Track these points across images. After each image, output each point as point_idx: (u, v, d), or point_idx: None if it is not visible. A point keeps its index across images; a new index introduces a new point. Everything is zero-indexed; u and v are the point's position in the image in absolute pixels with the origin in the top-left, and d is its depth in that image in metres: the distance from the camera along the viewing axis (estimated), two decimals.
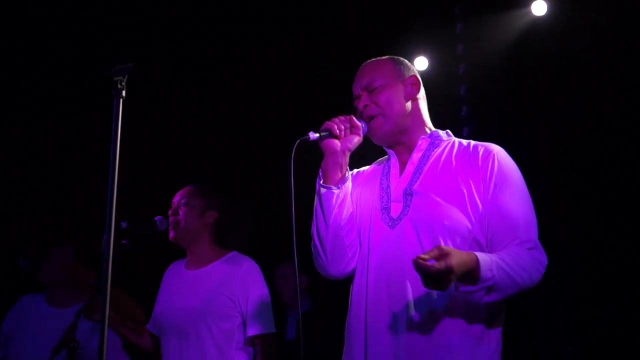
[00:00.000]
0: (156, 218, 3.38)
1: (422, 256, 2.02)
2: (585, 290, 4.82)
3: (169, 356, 3.41)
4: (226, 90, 5.40)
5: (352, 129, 2.39)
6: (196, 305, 3.40)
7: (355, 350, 2.31)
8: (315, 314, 4.93)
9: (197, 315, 3.38)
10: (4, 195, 5.17)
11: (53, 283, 3.89)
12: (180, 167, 5.39)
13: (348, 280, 2.46)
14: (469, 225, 2.25)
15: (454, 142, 2.46)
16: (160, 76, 5.07)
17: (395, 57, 2.56)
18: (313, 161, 2.48)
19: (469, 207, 2.26)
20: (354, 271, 2.41)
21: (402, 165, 2.44)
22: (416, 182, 2.34)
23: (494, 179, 2.30)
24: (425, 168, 2.38)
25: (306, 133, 2.33)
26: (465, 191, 2.28)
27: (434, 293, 2.20)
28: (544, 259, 2.23)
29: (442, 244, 2.20)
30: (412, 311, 2.22)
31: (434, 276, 2.01)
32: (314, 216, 2.42)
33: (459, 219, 2.25)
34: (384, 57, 2.56)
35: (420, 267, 2.01)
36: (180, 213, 3.48)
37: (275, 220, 4.52)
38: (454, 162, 2.35)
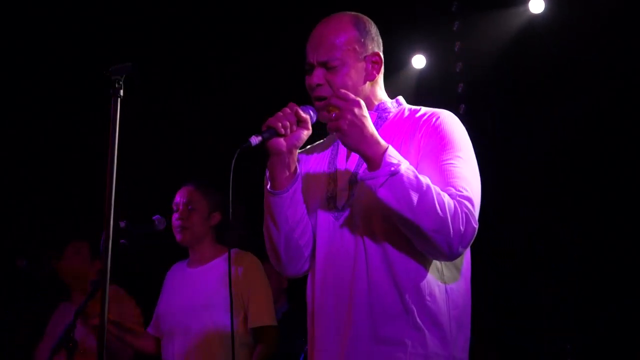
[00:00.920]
0: (154, 217, 3.39)
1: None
2: (585, 290, 4.82)
3: (174, 355, 3.42)
4: (226, 90, 5.39)
5: (300, 123, 2.12)
6: (200, 301, 3.45)
7: (309, 351, 2.22)
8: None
9: (200, 311, 3.42)
10: (3, 195, 5.17)
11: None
12: (178, 167, 5.39)
13: None
14: None
15: (402, 112, 2.24)
16: (159, 75, 5.06)
17: (361, 19, 2.28)
18: None
19: None
20: None
21: None
22: (361, 166, 2.12)
23: (434, 141, 2.09)
24: None
25: (247, 139, 2.04)
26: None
27: (383, 292, 2.03)
28: (474, 223, 1.96)
29: (384, 234, 2.06)
30: (359, 312, 2.06)
31: (337, 100, 1.97)
32: (264, 221, 2.24)
33: None
34: (348, 19, 2.24)
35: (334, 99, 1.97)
36: (186, 217, 3.54)
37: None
38: (399, 136, 2.15)
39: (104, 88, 2.00)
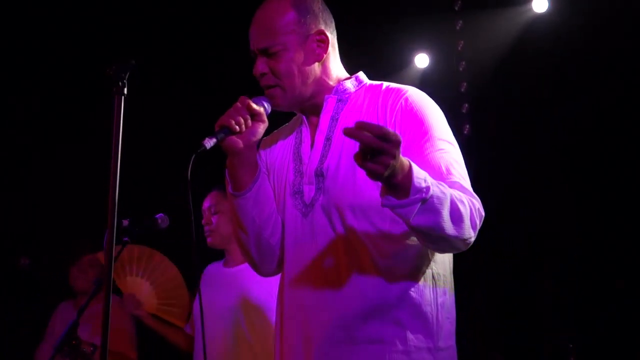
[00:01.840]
0: (157, 215, 3.39)
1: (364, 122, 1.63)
2: (586, 290, 4.82)
3: (213, 355, 3.42)
4: (227, 88, 5.39)
5: (254, 116, 1.99)
6: (237, 300, 3.46)
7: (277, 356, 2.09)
8: None
9: (238, 310, 3.43)
10: (3, 193, 5.17)
11: None
12: (181, 165, 5.38)
13: None
14: None
15: (365, 91, 2.08)
16: (161, 73, 5.06)
17: None
18: None
19: None
20: None
21: (313, 130, 2.08)
22: (326, 157, 2.01)
23: (402, 129, 1.93)
24: (334, 137, 2.03)
25: (201, 142, 1.92)
26: None
27: (358, 290, 1.91)
28: (481, 208, 1.85)
29: (356, 229, 1.92)
30: (332, 312, 1.94)
31: (380, 143, 1.59)
32: (232, 224, 2.13)
33: (373, 193, 1.88)
34: (285, 0, 2.05)
35: (360, 132, 1.60)
36: (213, 221, 3.59)
37: None
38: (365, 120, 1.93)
39: (107, 86, 1.99)
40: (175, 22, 5.29)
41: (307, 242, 2.01)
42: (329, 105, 2.07)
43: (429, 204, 1.70)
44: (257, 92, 2.09)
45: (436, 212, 1.72)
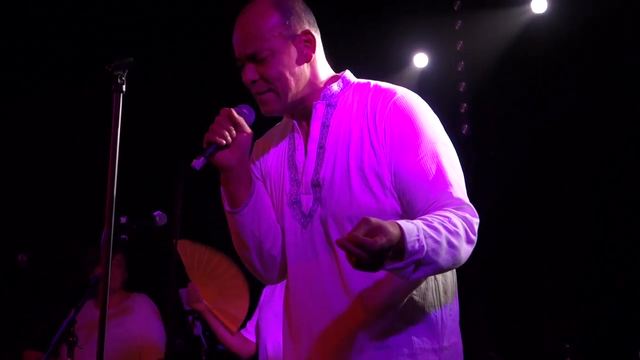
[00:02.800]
0: (155, 213, 3.39)
1: (354, 233, 1.64)
2: (584, 289, 4.83)
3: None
4: (227, 85, 5.38)
5: (237, 127, 1.96)
6: None
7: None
8: None
9: None
10: (3, 191, 5.17)
11: None
12: (180, 162, 5.38)
13: None
14: (383, 207, 1.90)
15: (353, 92, 2.03)
16: (160, 71, 5.07)
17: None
18: None
19: (377, 182, 1.91)
20: None
21: (305, 136, 2.05)
22: (321, 166, 1.98)
23: (394, 134, 1.91)
24: (327, 145, 1.99)
25: (189, 164, 1.89)
26: (368, 167, 1.92)
27: (361, 299, 1.91)
28: (475, 216, 1.86)
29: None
30: (337, 322, 1.93)
31: (373, 255, 1.63)
32: (232, 238, 2.10)
33: (368, 203, 1.91)
34: (267, 3, 2.00)
35: (351, 246, 1.63)
36: None
37: None
38: (353, 130, 1.96)
39: (106, 83, 1.99)
40: (175, 20, 5.29)
41: (308, 252, 2.00)
42: (319, 111, 2.03)
43: (425, 260, 1.73)
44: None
45: (433, 263, 1.75)
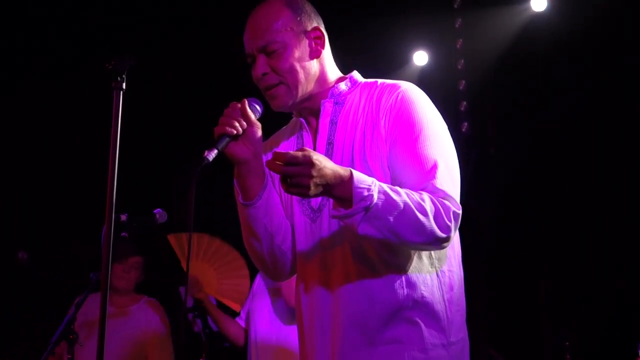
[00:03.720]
0: (155, 210, 3.39)
1: (278, 151, 1.75)
2: (584, 287, 4.83)
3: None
4: (228, 84, 5.39)
5: (246, 118, 1.99)
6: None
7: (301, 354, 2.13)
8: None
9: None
10: (3, 189, 5.17)
11: None
12: (180, 160, 5.39)
13: None
14: None
15: (360, 90, 2.08)
16: (160, 69, 5.06)
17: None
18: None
19: (382, 173, 1.95)
20: None
21: (314, 134, 2.10)
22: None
23: (396, 124, 1.96)
24: (336, 141, 2.04)
25: (202, 156, 1.91)
26: (372, 157, 1.97)
27: (371, 292, 1.93)
28: (457, 208, 1.88)
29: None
30: (349, 315, 1.96)
31: (288, 169, 1.73)
32: (243, 233, 2.13)
33: None
34: (279, 2, 2.07)
35: (273, 163, 1.74)
36: None
37: None
38: (360, 124, 2.01)
39: (106, 81, 1.99)
40: (174, 18, 5.28)
41: (318, 247, 2.03)
42: (327, 109, 2.07)
43: (373, 212, 1.77)
44: (253, 92, 2.09)
45: (382, 219, 1.79)
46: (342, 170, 1.79)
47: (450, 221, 1.86)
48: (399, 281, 1.95)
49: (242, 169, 2.03)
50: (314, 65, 2.06)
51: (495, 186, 5.05)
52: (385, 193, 1.80)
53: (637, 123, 4.69)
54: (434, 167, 1.90)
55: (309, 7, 2.10)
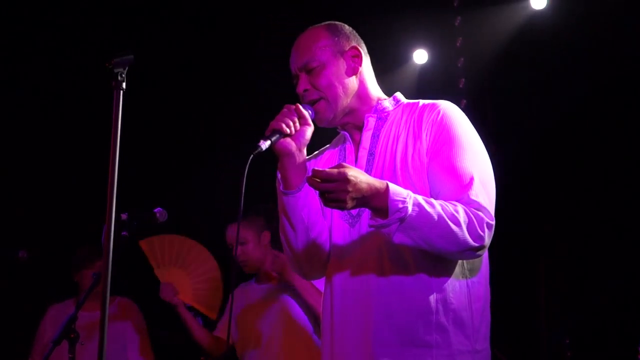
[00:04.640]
0: (156, 210, 3.39)
1: (316, 168, 1.91)
2: (584, 285, 4.83)
3: None
4: (227, 82, 5.39)
5: (301, 120, 2.15)
6: (276, 315, 3.66)
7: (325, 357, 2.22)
8: None
9: (276, 324, 3.63)
10: (4, 188, 5.17)
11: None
12: (180, 159, 5.39)
13: None
14: None
15: (401, 109, 2.23)
16: (161, 68, 5.06)
17: (332, 24, 2.30)
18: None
19: (422, 183, 2.07)
20: None
21: (357, 147, 2.25)
22: (371, 171, 2.16)
23: (437, 138, 2.09)
24: (377, 152, 2.19)
25: (256, 145, 2.07)
26: (415, 168, 2.09)
27: (405, 295, 2.04)
28: (490, 219, 2.01)
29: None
30: (382, 316, 2.06)
31: (325, 185, 1.88)
32: (280, 224, 2.26)
33: None
34: (320, 26, 2.28)
35: (312, 179, 1.89)
36: (241, 252, 3.75)
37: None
38: (401, 138, 2.15)
39: (106, 80, 1.99)
40: (174, 18, 5.29)
41: (354, 248, 2.15)
42: (370, 123, 2.23)
43: (408, 223, 1.91)
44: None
45: (417, 230, 1.92)
46: (378, 183, 1.93)
47: (484, 231, 1.98)
48: (430, 284, 2.05)
49: (286, 161, 2.16)
50: (352, 82, 2.23)
51: (495, 184, 5.05)
52: (419, 205, 1.92)
53: (637, 121, 4.69)
54: (470, 179, 2.02)
55: (347, 29, 2.29)
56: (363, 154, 2.22)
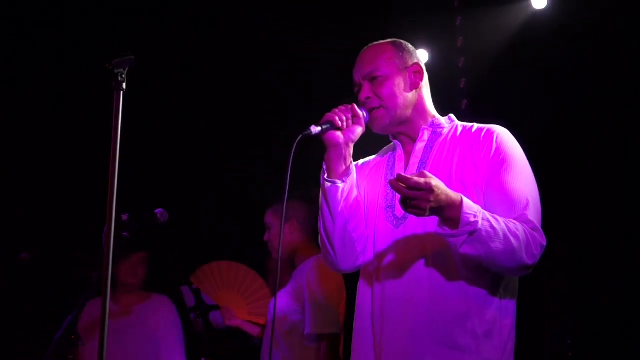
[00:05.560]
0: (156, 210, 3.39)
1: (402, 174, 2.01)
2: (585, 284, 4.83)
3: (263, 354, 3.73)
4: (228, 82, 5.39)
5: (354, 119, 2.30)
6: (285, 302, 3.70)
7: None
8: None
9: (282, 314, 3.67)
10: (4, 188, 5.16)
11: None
12: (181, 159, 5.39)
13: None
14: None
15: (456, 128, 2.38)
16: (161, 68, 5.06)
17: (398, 41, 2.50)
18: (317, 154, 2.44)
19: (475, 194, 2.19)
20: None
21: (407, 156, 2.38)
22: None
23: (494, 159, 2.23)
24: (429, 161, 2.31)
25: (307, 128, 2.23)
26: (469, 181, 2.22)
27: (444, 297, 2.15)
28: (543, 241, 2.13)
29: (444, 244, 2.15)
30: (420, 314, 2.17)
31: (411, 192, 1.97)
32: (320, 212, 2.36)
33: None
34: (386, 42, 2.47)
35: (397, 184, 1.99)
36: (268, 237, 3.84)
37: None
38: (456, 152, 2.28)
39: (106, 81, 1.99)
40: (174, 18, 5.28)
41: (398, 251, 2.25)
42: (425, 135, 2.36)
43: (476, 236, 2.01)
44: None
45: (483, 243, 2.02)
46: (454, 195, 2.03)
47: (537, 251, 2.11)
48: (468, 293, 2.16)
49: (332, 152, 2.29)
50: (412, 95, 2.38)
51: None
52: (488, 221, 2.04)
53: (638, 121, 4.69)
54: (526, 201, 2.16)
55: (410, 47, 2.50)
56: (414, 161, 2.33)
